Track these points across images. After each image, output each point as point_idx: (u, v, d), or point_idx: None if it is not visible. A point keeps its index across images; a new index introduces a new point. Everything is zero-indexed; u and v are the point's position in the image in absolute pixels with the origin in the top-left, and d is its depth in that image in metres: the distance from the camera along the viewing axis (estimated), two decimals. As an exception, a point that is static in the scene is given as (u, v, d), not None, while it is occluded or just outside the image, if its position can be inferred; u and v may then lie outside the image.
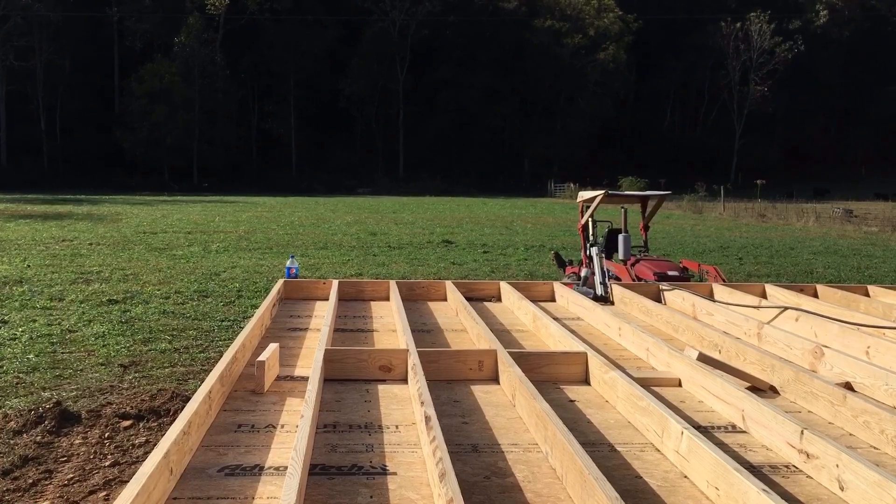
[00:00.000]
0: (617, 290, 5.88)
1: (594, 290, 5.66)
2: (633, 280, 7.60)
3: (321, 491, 2.31)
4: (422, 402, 2.88)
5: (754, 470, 2.50)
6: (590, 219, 8.93)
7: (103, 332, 6.83)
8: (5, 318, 7.39)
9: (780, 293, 5.67)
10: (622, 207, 9.39)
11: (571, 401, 3.36)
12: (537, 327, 4.74)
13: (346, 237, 17.40)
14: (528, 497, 2.31)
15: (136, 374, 5.47)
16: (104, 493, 3.36)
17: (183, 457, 2.46)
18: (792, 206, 34.31)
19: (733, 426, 3.02)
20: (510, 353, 3.66)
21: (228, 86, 57.02)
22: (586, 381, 3.66)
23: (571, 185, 47.93)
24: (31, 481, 3.55)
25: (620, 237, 8.40)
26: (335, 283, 5.78)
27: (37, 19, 54.09)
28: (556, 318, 4.79)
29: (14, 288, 9.15)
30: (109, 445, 3.98)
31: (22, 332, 6.75)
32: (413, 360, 3.45)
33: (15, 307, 7.95)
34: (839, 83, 69.09)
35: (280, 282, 5.85)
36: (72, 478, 3.56)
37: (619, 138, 65.07)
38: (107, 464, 3.72)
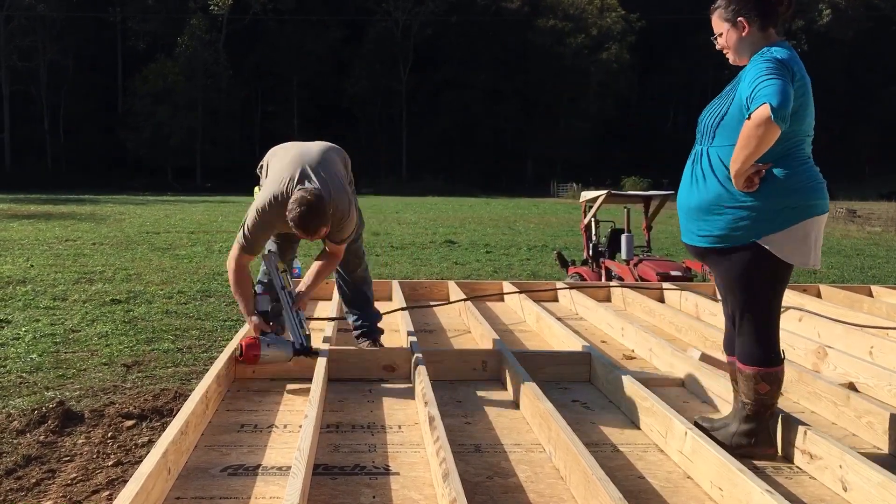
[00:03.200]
0: (620, 291, 5.87)
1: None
2: (636, 280, 7.59)
3: (324, 491, 2.31)
4: (425, 403, 2.88)
5: (758, 470, 2.49)
6: (593, 219, 8.92)
7: (106, 331, 6.83)
8: (9, 317, 7.39)
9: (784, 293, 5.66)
10: (625, 207, 9.38)
11: (574, 401, 3.35)
12: (540, 327, 4.73)
13: (349, 237, 17.39)
14: (531, 497, 2.31)
15: (139, 374, 5.47)
16: (107, 493, 3.36)
17: (181, 456, 2.46)
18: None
19: (737, 426, 3.01)
20: (514, 352, 3.66)
21: (231, 86, 57.08)
22: (590, 381, 3.66)
23: (574, 185, 47.86)
24: (34, 481, 3.55)
25: (623, 237, 8.39)
26: (338, 283, 5.78)
27: (40, 19, 54.19)
28: (559, 318, 4.79)
29: (17, 287, 9.16)
30: (112, 445, 3.98)
31: (25, 331, 6.75)
32: (416, 360, 3.45)
33: (18, 307, 7.95)
34: (842, 83, 68.97)
35: (283, 282, 5.85)
36: (75, 477, 3.56)
37: (623, 138, 64.98)
38: (110, 463, 3.72)
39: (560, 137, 61.33)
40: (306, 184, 3.47)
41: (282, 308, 3.68)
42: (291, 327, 3.57)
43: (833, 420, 3.11)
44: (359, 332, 4.15)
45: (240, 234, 3.59)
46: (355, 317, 4.19)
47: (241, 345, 3.46)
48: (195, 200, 35.06)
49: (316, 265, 3.78)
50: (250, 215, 3.59)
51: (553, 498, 2.31)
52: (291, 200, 3.35)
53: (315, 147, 3.78)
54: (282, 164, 3.66)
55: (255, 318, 3.56)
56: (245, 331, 4.02)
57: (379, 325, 4.24)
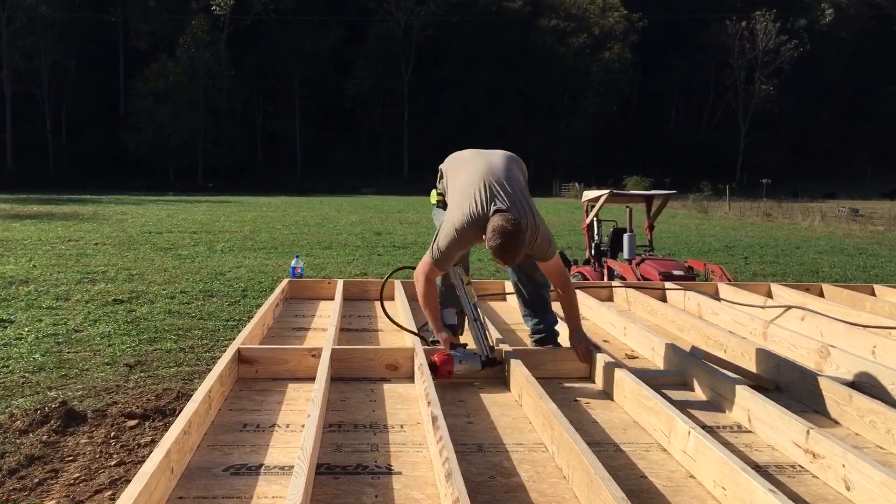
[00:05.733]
0: (622, 291, 5.87)
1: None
2: (639, 280, 7.59)
3: (326, 490, 2.31)
4: (428, 402, 2.88)
5: (760, 470, 2.49)
6: (595, 218, 8.92)
7: (109, 331, 6.84)
8: (12, 317, 7.40)
9: (786, 292, 5.66)
10: (627, 207, 9.38)
11: (577, 400, 3.35)
12: (542, 327, 4.72)
13: (351, 237, 17.42)
14: (534, 497, 2.31)
15: (142, 374, 5.47)
16: (110, 493, 3.36)
17: (183, 456, 2.46)
18: (797, 205, 34.18)
19: (739, 426, 3.01)
20: (516, 351, 3.66)
21: (233, 86, 57.12)
22: (592, 380, 3.66)
23: (576, 184, 47.84)
24: (37, 480, 3.56)
25: (625, 236, 8.39)
26: (340, 282, 5.79)
27: (42, 19, 54.24)
28: (561, 318, 4.78)
29: (20, 287, 9.17)
30: (115, 445, 3.99)
31: (28, 331, 6.77)
32: (420, 360, 3.45)
33: (21, 307, 7.96)
34: (844, 82, 68.90)
35: (284, 281, 5.85)
36: (78, 477, 3.57)
37: (624, 138, 64.99)
38: (112, 463, 3.72)
39: (562, 137, 61.33)
40: (499, 204, 3.42)
41: (465, 320, 3.77)
42: (477, 339, 3.64)
43: (836, 419, 3.10)
44: (538, 336, 4.08)
45: (432, 250, 3.56)
46: (535, 321, 4.12)
47: (435, 361, 3.44)
48: (197, 200, 35.06)
49: (561, 297, 3.78)
50: (444, 233, 3.53)
51: (556, 497, 2.31)
52: (490, 229, 3.30)
53: (497, 159, 3.73)
54: (467, 177, 3.61)
55: (444, 334, 3.61)
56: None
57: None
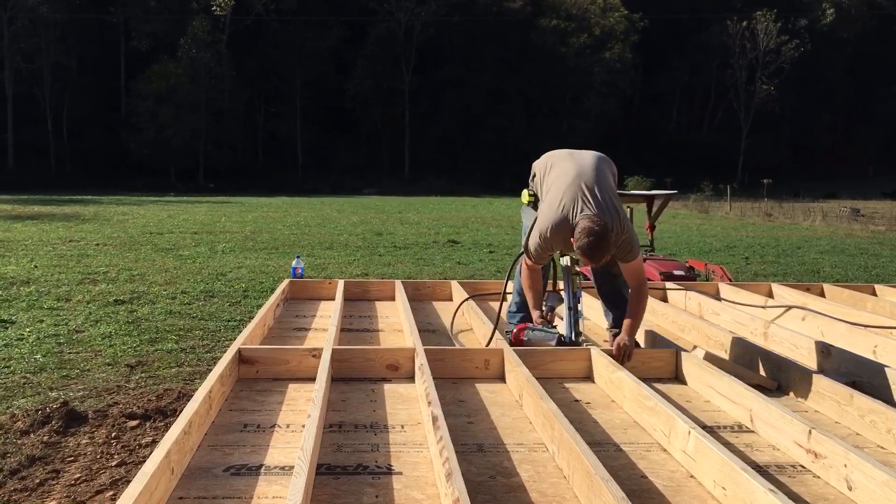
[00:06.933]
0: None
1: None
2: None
3: (327, 491, 2.31)
4: (429, 402, 2.88)
5: (761, 470, 2.49)
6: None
7: (110, 332, 6.84)
8: (13, 318, 7.40)
9: (787, 292, 5.66)
10: (628, 207, 9.35)
11: (577, 400, 3.35)
12: (543, 327, 4.72)
13: (352, 237, 17.41)
14: (534, 497, 2.31)
15: (143, 374, 5.47)
16: (111, 493, 3.36)
17: (184, 456, 2.46)
18: (799, 205, 34.13)
19: (740, 426, 3.01)
20: (516, 351, 3.66)
21: (234, 87, 57.07)
22: (592, 380, 3.65)
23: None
24: (38, 481, 3.56)
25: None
26: (341, 283, 5.79)
27: (43, 20, 54.24)
28: (561, 318, 4.78)
29: (21, 288, 9.18)
30: (116, 445, 3.99)
31: (29, 332, 6.77)
32: (420, 360, 3.45)
33: (22, 307, 7.97)
34: (846, 82, 68.84)
35: (285, 282, 5.86)
36: (79, 477, 3.57)
37: (625, 138, 64.82)
38: (113, 463, 3.72)
39: (563, 137, 61.15)
40: (586, 210, 3.63)
41: (560, 304, 4.14)
42: (567, 323, 4.03)
43: (837, 419, 3.10)
44: (616, 329, 4.17)
45: (526, 252, 3.92)
46: (613, 315, 4.26)
47: (513, 330, 3.99)
48: (198, 201, 35.06)
49: (631, 295, 3.91)
50: (533, 238, 3.82)
51: (556, 497, 2.31)
52: (578, 230, 3.52)
53: (588, 162, 3.95)
54: (560, 183, 3.82)
55: (536, 312, 4.01)
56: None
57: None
